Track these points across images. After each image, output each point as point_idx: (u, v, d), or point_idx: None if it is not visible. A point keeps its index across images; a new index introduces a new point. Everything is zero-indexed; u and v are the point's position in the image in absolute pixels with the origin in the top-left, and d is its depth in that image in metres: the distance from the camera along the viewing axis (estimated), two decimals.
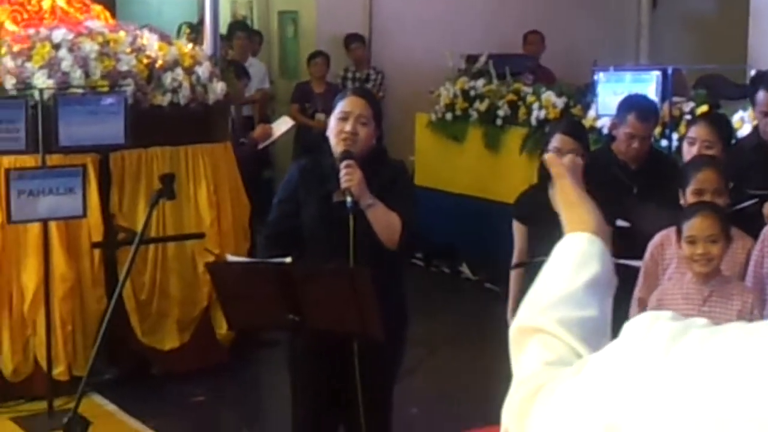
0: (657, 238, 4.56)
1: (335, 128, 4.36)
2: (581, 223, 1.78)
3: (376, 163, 4.39)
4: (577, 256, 1.69)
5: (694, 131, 5.15)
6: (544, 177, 5.13)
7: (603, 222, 1.78)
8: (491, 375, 6.92)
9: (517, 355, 1.58)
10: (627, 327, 1.31)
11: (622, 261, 4.75)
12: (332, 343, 4.31)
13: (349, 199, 4.19)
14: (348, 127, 4.32)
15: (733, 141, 5.81)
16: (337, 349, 4.32)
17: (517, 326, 1.61)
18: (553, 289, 1.63)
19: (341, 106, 4.39)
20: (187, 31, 10.53)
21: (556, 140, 5.03)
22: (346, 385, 4.37)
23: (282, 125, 9.45)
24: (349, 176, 4.21)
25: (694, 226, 4.21)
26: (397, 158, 5.00)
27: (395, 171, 4.55)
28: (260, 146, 8.71)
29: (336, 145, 4.35)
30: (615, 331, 4.24)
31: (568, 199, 1.87)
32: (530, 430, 1.38)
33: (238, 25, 11.49)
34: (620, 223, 5.08)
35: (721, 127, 5.26)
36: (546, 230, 4.94)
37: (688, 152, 5.09)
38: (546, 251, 5.25)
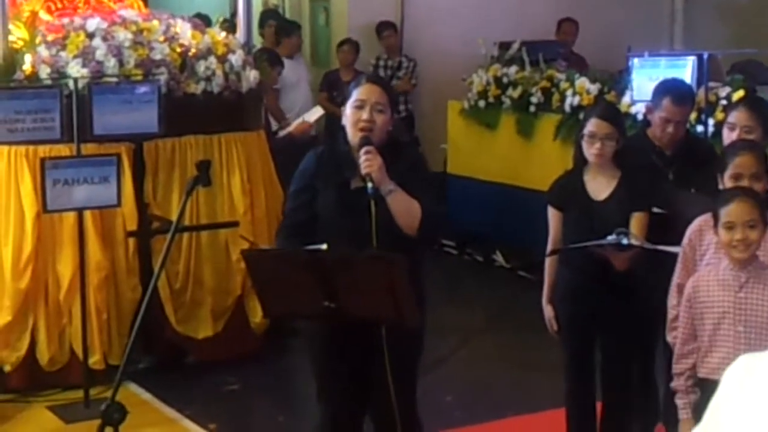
0: (696, 224, 4.51)
1: (352, 117, 4.35)
2: None
3: (393, 152, 4.37)
4: None
5: (734, 116, 5.08)
6: (580, 163, 5.12)
7: None
8: (525, 363, 6.97)
9: None
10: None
11: (660, 247, 4.73)
12: (357, 329, 4.28)
13: (369, 185, 4.18)
14: (365, 115, 4.31)
15: None
16: (359, 334, 4.31)
17: None
18: None
19: (356, 94, 4.37)
20: (221, 19, 10.53)
21: (592, 125, 4.99)
22: (370, 369, 4.37)
23: (314, 114, 9.45)
24: (369, 162, 4.19)
25: (731, 211, 4.16)
26: (430, 146, 4.98)
27: (413, 159, 4.53)
28: (280, 135, 8.72)
29: (353, 135, 4.35)
30: (656, 319, 4.18)
31: None
32: None
33: (270, 14, 11.48)
34: (656, 209, 5.04)
35: (762, 111, 5.18)
36: (581, 216, 5.00)
37: (728, 137, 5.02)
38: (581, 237, 5.23)
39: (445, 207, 4.47)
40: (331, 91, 10.70)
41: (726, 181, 4.46)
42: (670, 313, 4.52)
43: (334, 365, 4.48)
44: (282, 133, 9.13)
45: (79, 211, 6.13)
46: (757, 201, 4.20)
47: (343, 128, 4.42)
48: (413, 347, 4.50)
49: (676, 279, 4.52)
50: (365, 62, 11.34)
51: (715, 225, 4.22)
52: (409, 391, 4.48)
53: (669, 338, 4.54)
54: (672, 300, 4.52)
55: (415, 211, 4.28)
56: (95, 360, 6.48)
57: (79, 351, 6.35)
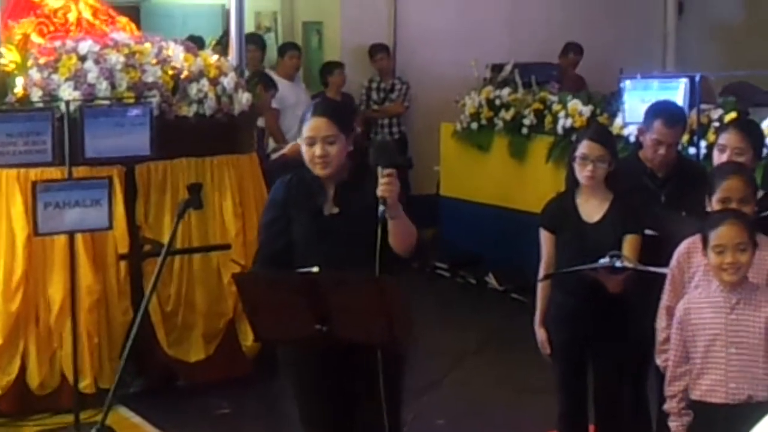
0: (683, 246, 4.52)
1: (307, 154, 4.39)
2: None
3: (361, 172, 4.39)
4: None
5: (725, 138, 5.08)
6: (572, 185, 5.11)
7: None
8: (518, 386, 6.94)
9: None
10: None
11: (653, 269, 4.72)
12: (338, 351, 4.27)
13: (382, 208, 4.19)
14: (318, 151, 4.35)
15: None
16: (343, 356, 4.30)
17: None
18: None
19: (306, 131, 4.40)
20: (213, 41, 10.52)
21: (584, 147, 5.00)
22: (354, 391, 4.37)
23: None
24: (390, 186, 4.19)
25: (721, 234, 4.15)
26: (423, 168, 4.98)
27: None
28: (273, 156, 8.72)
29: (312, 169, 4.39)
30: (649, 342, 4.16)
31: None
32: None
33: (250, 38, 11.47)
34: (648, 231, 5.03)
35: (752, 133, 5.18)
36: (573, 238, 5.00)
37: (718, 159, 5.02)
38: (573, 260, 5.23)
39: None
40: None
41: (714, 204, 4.45)
42: (659, 336, 4.52)
43: (317, 388, 4.47)
44: (275, 155, 9.12)
45: (71, 234, 6.11)
46: (747, 224, 4.20)
47: None
48: (398, 368, 4.49)
49: (664, 301, 4.52)
50: (358, 85, 11.36)
51: (704, 248, 4.22)
52: (394, 412, 4.47)
53: (659, 361, 4.54)
54: (661, 322, 4.52)
55: (414, 233, 4.32)
56: (86, 384, 6.44)
57: (69, 375, 6.31)
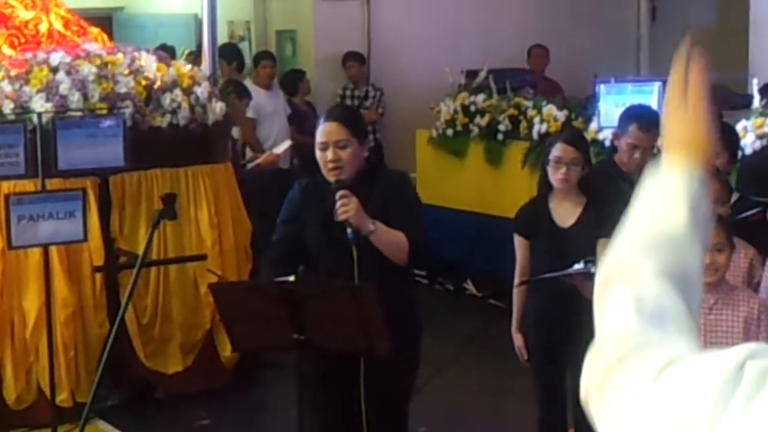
0: None
1: (320, 159, 4.39)
2: (685, 147, 1.57)
3: (373, 177, 4.37)
4: (678, 192, 1.54)
5: None
6: (544, 190, 5.10)
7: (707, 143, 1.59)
8: (498, 391, 6.93)
9: (601, 307, 1.45)
10: (719, 359, 1.23)
11: None
12: (340, 363, 4.26)
13: (349, 230, 4.18)
14: (330, 155, 4.33)
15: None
16: (347, 368, 4.29)
17: (606, 272, 1.48)
18: (652, 228, 1.48)
19: (318, 136, 4.40)
20: (186, 51, 10.49)
21: (558, 149, 4.99)
22: (357, 403, 4.33)
23: (282, 146, 9.41)
24: (345, 207, 4.20)
25: None
26: None
27: (396, 182, 4.52)
28: (249, 166, 8.68)
29: (326, 175, 4.37)
30: None
31: (683, 110, 1.60)
32: (603, 410, 1.31)
33: (225, 51, 11.43)
34: None
35: (727, 136, 5.20)
36: (547, 243, 4.98)
37: None
38: (548, 264, 5.21)
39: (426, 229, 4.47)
40: (300, 122, 10.66)
41: None
42: None
43: (319, 398, 4.45)
44: (250, 165, 9.09)
45: (45, 247, 6.06)
46: (723, 225, 4.22)
47: None
48: (401, 380, 4.47)
49: None
50: (333, 92, 11.34)
51: None
52: (396, 426, 4.47)
53: None
54: None
55: (401, 244, 4.29)
56: (63, 398, 6.38)
57: (46, 389, 6.26)
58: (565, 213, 5.02)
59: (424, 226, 4.41)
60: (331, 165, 4.32)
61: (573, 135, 5.43)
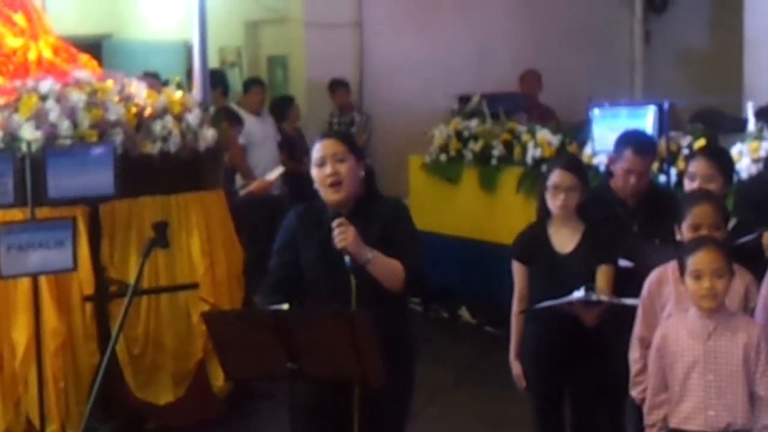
0: (654, 275, 4.51)
1: (317, 177, 4.36)
2: None
3: (370, 205, 4.34)
4: None
5: (694, 166, 5.08)
6: (543, 215, 5.06)
7: None
8: (494, 419, 6.86)
9: None
10: None
11: (629, 301, 4.67)
12: (334, 391, 4.22)
13: (347, 258, 4.15)
14: (328, 169, 4.31)
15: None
16: (341, 396, 4.25)
17: None
18: None
19: (315, 153, 4.39)
20: (177, 78, 10.45)
21: (556, 176, 4.98)
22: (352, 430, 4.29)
23: (274, 172, 9.38)
24: (342, 235, 4.17)
25: (699, 259, 4.15)
26: None
27: (394, 210, 4.49)
28: (241, 193, 8.64)
29: (325, 194, 4.35)
30: (626, 373, 4.09)
31: None
32: None
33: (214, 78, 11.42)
34: (623, 263, 4.98)
35: (721, 160, 5.17)
36: (546, 270, 4.94)
37: (690, 187, 5.02)
38: (547, 291, 5.21)
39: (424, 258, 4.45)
40: (289, 149, 10.61)
41: (685, 231, 4.45)
42: (633, 368, 4.49)
43: (313, 428, 4.41)
44: (242, 192, 9.04)
45: (34, 277, 6.00)
46: (723, 250, 4.21)
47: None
48: (396, 408, 4.42)
49: (637, 332, 4.50)
50: (321, 119, 11.31)
51: (682, 274, 4.20)
52: None
53: (633, 393, 4.49)
54: (634, 353, 4.49)
55: (398, 273, 4.27)
56: (53, 429, 6.31)
57: (36, 420, 6.18)
58: (564, 239, 5.00)
59: (422, 254, 4.37)
60: (330, 180, 4.30)
61: (571, 161, 5.41)
